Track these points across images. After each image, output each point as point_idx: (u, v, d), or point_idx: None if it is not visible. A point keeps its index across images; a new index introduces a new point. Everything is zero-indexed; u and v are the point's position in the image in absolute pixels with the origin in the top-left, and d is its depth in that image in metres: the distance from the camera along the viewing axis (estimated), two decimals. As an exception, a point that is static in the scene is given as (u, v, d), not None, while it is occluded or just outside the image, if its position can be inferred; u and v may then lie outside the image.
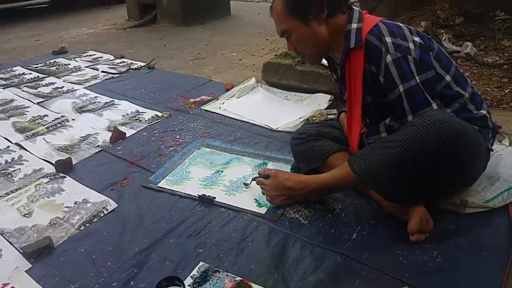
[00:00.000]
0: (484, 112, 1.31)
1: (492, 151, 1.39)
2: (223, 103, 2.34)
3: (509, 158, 1.53)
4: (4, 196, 1.53)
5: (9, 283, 1.11)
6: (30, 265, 1.19)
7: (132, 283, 1.11)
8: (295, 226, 1.31)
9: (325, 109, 2.17)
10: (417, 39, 1.23)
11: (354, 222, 1.31)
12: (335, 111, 2.10)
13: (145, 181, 1.62)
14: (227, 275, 1.11)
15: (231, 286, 1.07)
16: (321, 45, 1.31)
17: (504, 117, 1.97)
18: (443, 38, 2.69)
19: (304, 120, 2.06)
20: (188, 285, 1.08)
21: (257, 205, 1.44)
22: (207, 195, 1.48)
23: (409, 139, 1.11)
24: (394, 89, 1.18)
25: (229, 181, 1.60)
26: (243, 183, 1.56)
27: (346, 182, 1.27)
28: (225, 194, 1.51)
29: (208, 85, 2.70)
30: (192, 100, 2.40)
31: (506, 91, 2.20)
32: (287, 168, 1.64)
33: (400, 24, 1.27)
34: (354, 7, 1.31)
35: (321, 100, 2.27)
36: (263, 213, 1.40)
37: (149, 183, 1.60)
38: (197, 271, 1.13)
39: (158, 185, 1.59)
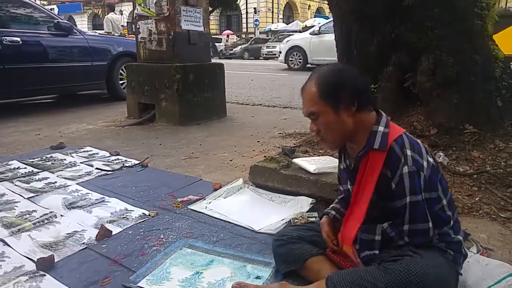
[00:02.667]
0: (460, 238, 1.40)
1: (461, 275, 1.45)
2: (210, 202, 2.43)
3: (476, 265, 1.60)
4: (-18, 295, 1.53)
5: None
6: None
7: None
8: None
9: (307, 211, 2.25)
10: (431, 159, 1.34)
11: None
12: (316, 214, 2.20)
13: (125, 280, 1.63)
14: None
15: None
16: (344, 134, 1.39)
17: (474, 224, 2.06)
18: (419, 149, 2.90)
19: (286, 222, 2.12)
20: None
21: None
22: None
23: (386, 284, 1.19)
24: (402, 198, 1.28)
25: (207, 283, 1.63)
26: None
27: None
28: None
29: (197, 184, 2.80)
30: (179, 199, 2.48)
31: (476, 199, 2.32)
32: (267, 271, 1.69)
33: (419, 141, 1.39)
34: (382, 112, 1.42)
35: (303, 203, 2.36)
36: None
37: (129, 283, 1.61)
38: None
39: (138, 284, 1.60)
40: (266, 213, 2.27)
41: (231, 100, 6.64)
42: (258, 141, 4.03)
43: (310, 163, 2.56)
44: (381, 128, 1.35)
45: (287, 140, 4.00)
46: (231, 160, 3.41)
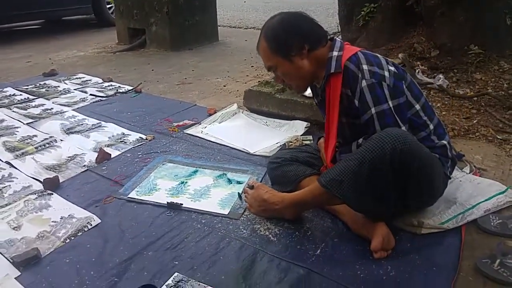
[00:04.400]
0: (445, 142, 1.44)
1: (450, 178, 1.50)
2: (205, 127, 2.47)
3: (468, 184, 1.65)
4: (-5, 211, 1.63)
5: (-1, 288, 1.22)
6: (19, 273, 1.29)
7: (112, 290, 1.22)
8: (264, 242, 1.42)
9: (301, 135, 2.29)
10: (392, 68, 1.37)
11: (319, 240, 1.42)
12: (310, 137, 2.24)
13: (116, 194, 1.76)
14: (199, 285, 1.22)
15: (202, 294, 1.19)
16: (305, 77, 1.45)
17: (469, 146, 2.09)
18: (417, 71, 2.84)
19: (281, 145, 2.16)
20: (163, 293, 1.19)
21: (220, 208, 1.63)
22: (175, 202, 1.64)
23: (368, 150, 1.23)
24: (367, 111, 1.32)
25: (194, 189, 1.78)
26: (238, 193, 1.72)
27: (316, 196, 1.36)
28: (191, 200, 1.70)
29: (192, 109, 2.83)
30: (175, 124, 2.52)
31: (474, 121, 2.32)
32: (246, 176, 1.88)
33: (378, 55, 1.42)
34: (336, 38, 1.46)
35: (298, 127, 2.40)
36: (226, 213, 1.60)
37: (119, 195, 1.74)
38: (172, 280, 1.24)
39: (129, 196, 1.73)
40: (261, 137, 2.33)
41: (223, 23, 6.43)
42: (252, 66, 3.99)
43: None
44: (334, 53, 1.40)
45: (281, 65, 3.95)
46: (224, 86, 3.40)
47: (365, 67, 1.33)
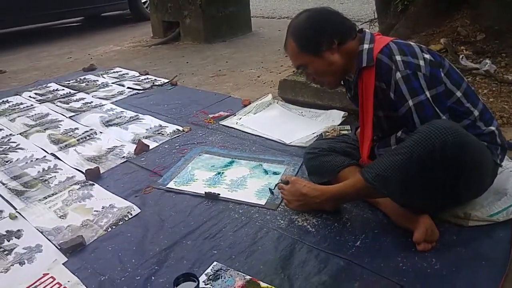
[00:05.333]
0: (493, 128, 1.36)
1: (501, 166, 1.42)
2: (240, 118, 2.47)
3: None
4: (43, 200, 1.71)
5: (49, 273, 1.28)
6: (66, 259, 1.35)
7: (153, 278, 1.25)
8: (302, 233, 1.41)
9: (339, 125, 2.24)
10: (427, 56, 1.30)
11: (358, 231, 1.39)
12: (348, 127, 2.18)
13: (156, 184, 1.80)
14: (237, 274, 1.22)
15: (241, 283, 1.19)
16: (337, 72, 1.41)
17: None
18: (461, 56, 2.70)
19: (317, 136, 2.13)
20: (203, 282, 1.20)
21: (257, 198, 1.62)
22: (212, 192, 1.66)
23: (416, 144, 1.16)
24: (404, 103, 1.26)
25: (230, 180, 1.79)
26: (269, 188, 1.68)
27: (359, 190, 1.32)
28: (228, 191, 1.70)
29: (226, 101, 2.83)
30: (211, 115, 2.54)
31: None
32: (282, 167, 1.86)
33: (411, 43, 1.35)
34: (366, 29, 1.41)
35: (335, 117, 2.35)
36: (263, 204, 1.58)
37: (158, 185, 1.78)
38: (211, 269, 1.25)
39: (167, 186, 1.76)
40: (297, 127, 2.29)
41: (256, 14, 6.39)
42: (286, 56, 3.88)
43: None
44: (365, 46, 1.35)
45: (316, 54, 3.89)
46: (258, 77, 3.39)
47: (398, 58, 1.27)
